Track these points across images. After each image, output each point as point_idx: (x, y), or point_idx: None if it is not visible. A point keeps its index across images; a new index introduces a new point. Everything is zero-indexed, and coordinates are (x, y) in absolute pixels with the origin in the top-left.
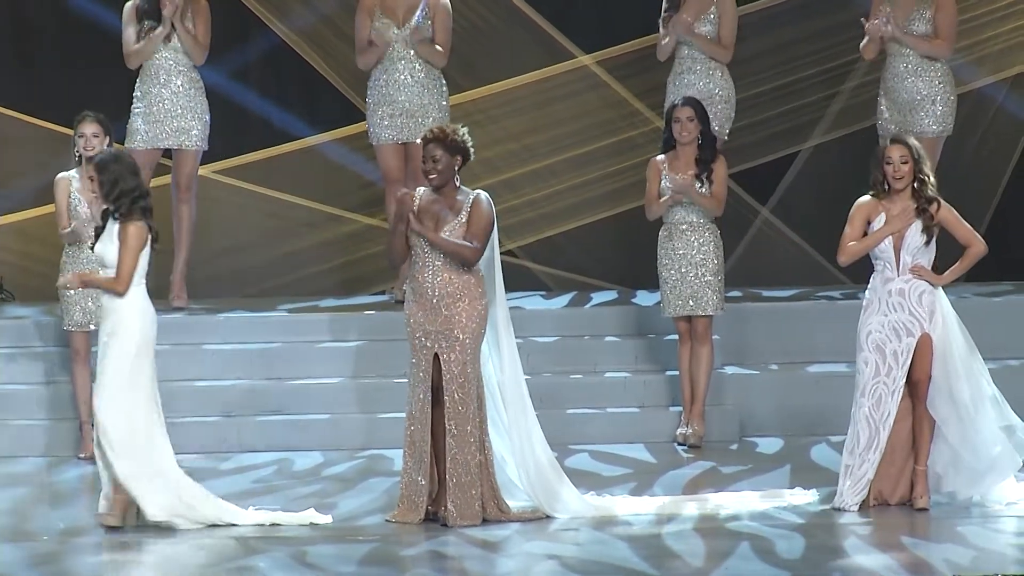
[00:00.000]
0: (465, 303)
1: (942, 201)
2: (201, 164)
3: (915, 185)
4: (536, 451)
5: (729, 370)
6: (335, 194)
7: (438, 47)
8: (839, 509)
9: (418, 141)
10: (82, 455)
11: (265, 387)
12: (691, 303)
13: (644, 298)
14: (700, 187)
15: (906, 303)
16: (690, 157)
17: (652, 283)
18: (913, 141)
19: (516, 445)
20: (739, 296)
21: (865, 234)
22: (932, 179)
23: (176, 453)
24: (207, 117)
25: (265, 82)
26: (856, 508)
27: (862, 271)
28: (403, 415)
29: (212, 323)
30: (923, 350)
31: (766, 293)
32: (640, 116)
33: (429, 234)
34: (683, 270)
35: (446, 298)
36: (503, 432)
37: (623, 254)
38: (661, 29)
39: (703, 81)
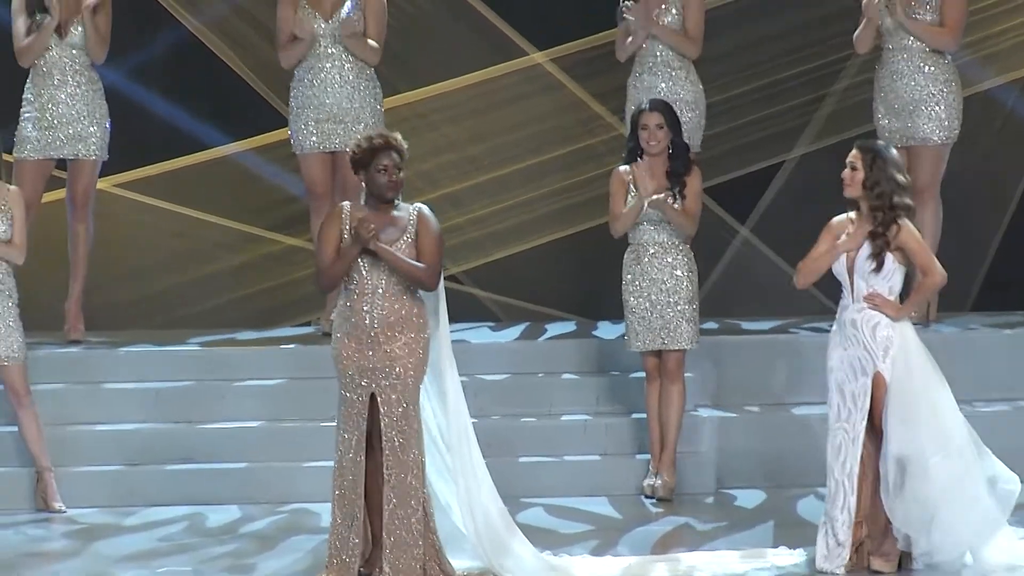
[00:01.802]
0: (407, 336)
1: (905, 223)
2: (100, 176)
3: (870, 202)
4: (484, 500)
5: (703, 412)
6: (253, 211)
7: (371, 42)
8: (822, 572)
9: (348, 150)
10: None
11: (173, 432)
12: (662, 336)
13: (607, 330)
14: (672, 202)
15: (860, 336)
16: (659, 169)
17: (616, 313)
18: (878, 145)
19: (462, 492)
20: (715, 328)
21: None
22: (898, 195)
23: (72, 506)
24: (107, 123)
25: (171, 82)
26: (841, 572)
27: None
28: (330, 464)
29: (113, 358)
30: (877, 392)
31: (745, 324)
32: (600, 121)
33: (396, 258)
34: (652, 298)
35: (386, 331)
36: (447, 477)
37: (583, 279)
38: (619, 23)
39: (666, 83)
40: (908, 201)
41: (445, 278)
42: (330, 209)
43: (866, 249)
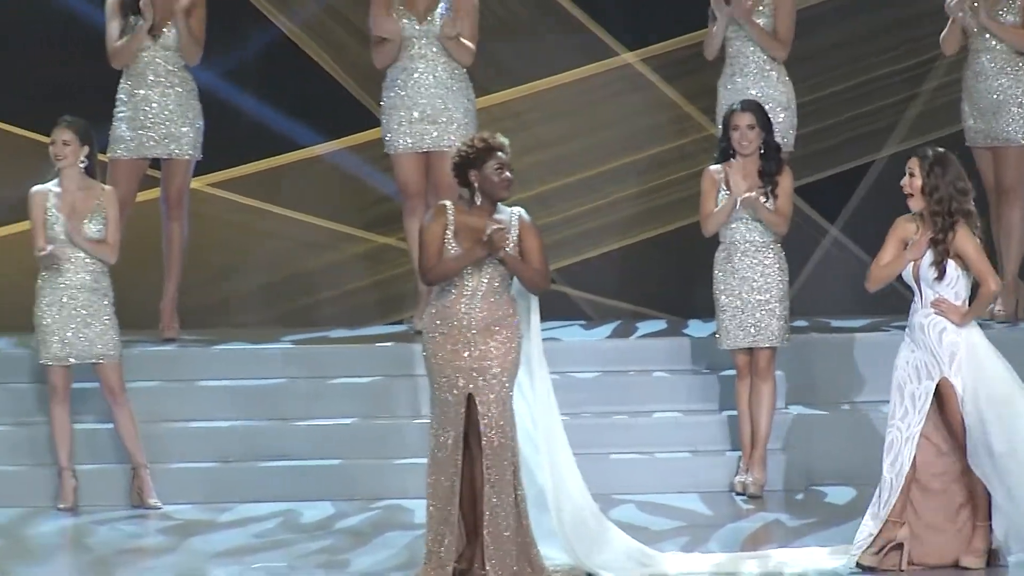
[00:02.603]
0: (503, 336)
1: (960, 229)
2: (193, 175)
3: (930, 208)
4: (574, 496)
5: (794, 410)
6: (346, 210)
7: (466, 42)
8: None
9: (453, 151)
10: (62, 505)
11: (267, 429)
12: (752, 333)
13: (697, 328)
14: (764, 202)
15: (927, 340)
16: (751, 169)
17: (707, 311)
18: (935, 151)
19: (550, 490)
20: (805, 326)
21: None
22: (957, 201)
23: (167, 503)
24: (200, 123)
25: (265, 83)
26: (852, 562)
27: None
28: (423, 460)
29: (207, 357)
30: (946, 396)
31: (835, 323)
32: (691, 121)
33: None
34: (743, 296)
35: (484, 331)
36: (537, 475)
37: (674, 278)
38: (710, 21)
39: (757, 85)
40: (969, 207)
41: None
42: (423, 209)
43: (928, 257)
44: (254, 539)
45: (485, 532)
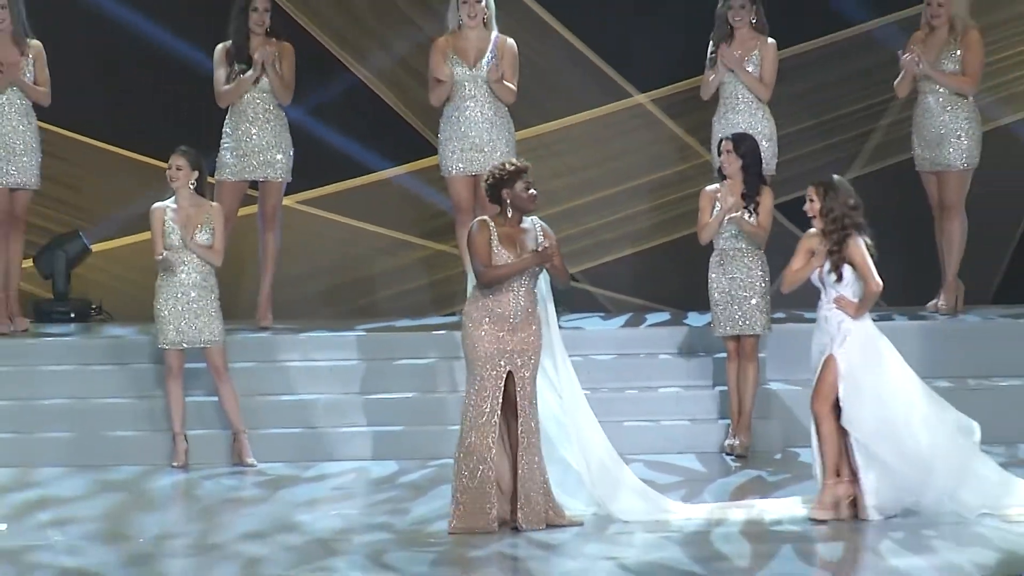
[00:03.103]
0: (535, 324)
1: (852, 241)
2: (285, 195)
3: (827, 226)
4: (598, 451)
5: (774, 385)
6: (407, 222)
7: (508, 84)
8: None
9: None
10: (175, 463)
11: (343, 401)
12: (740, 323)
13: (695, 319)
14: (748, 217)
15: (829, 328)
16: (739, 189)
17: (703, 305)
18: (828, 179)
19: (577, 452)
20: (784, 317)
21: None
22: (849, 217)
23: (262, 462)
24: (291, 151)
25: (343, 118)
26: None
27: (899, 295)
28: None
29: (295, 342)
30: (828, 367)
31: (808, 315)
32: (691, 150)
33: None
34: (732, 293)
35: (523, 320)
36: (564, 436)
37: (676, 278)
38: (707, 69)
39: (746, 120)
40: (859, 220)
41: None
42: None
43: (827, 264)
44: (333, 491)
45: (519, 486)
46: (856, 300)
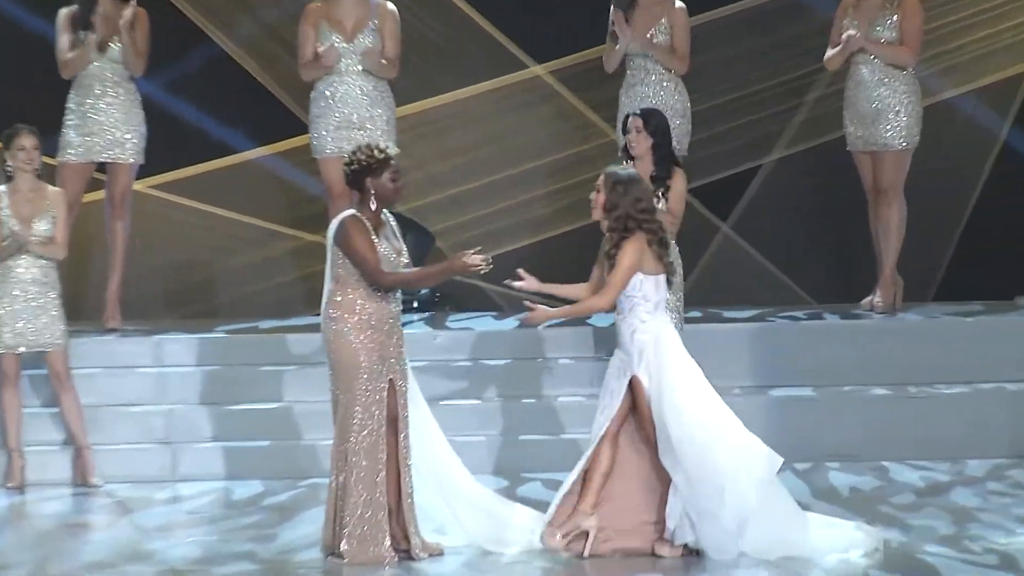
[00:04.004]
0: (401, 330)
1: (628, 244)
2: (136, 178)
3: (608, 223)
4: (465, 492)
5: None
6: (275, 209)
7: (386, 61)
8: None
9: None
10: (10, 484)
11: (202, 412)
12: None
13: (600, 319)
14: (657, 203)
15: (623, 341)
16: (646, 171)
17: None
18: (623, 172)
19: (442, 501)
20: (698, 316)
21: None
22: (635, 220)
23: (109, 482)
24: (143, 129)
25: (203, 93)
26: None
27: (829, 291)
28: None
29: (147, 345)
30: (636, 392)
31: (727, 313)
32: (594, 128)
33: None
34: None
35: (396, 324)
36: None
37: (578, 272)
38: (608, 40)
39: (657, 94)
40: (650, 225)
41: None
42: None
43: (606, 268)
44: (189, 515)
45: (405, 510)
46: (649, 304)
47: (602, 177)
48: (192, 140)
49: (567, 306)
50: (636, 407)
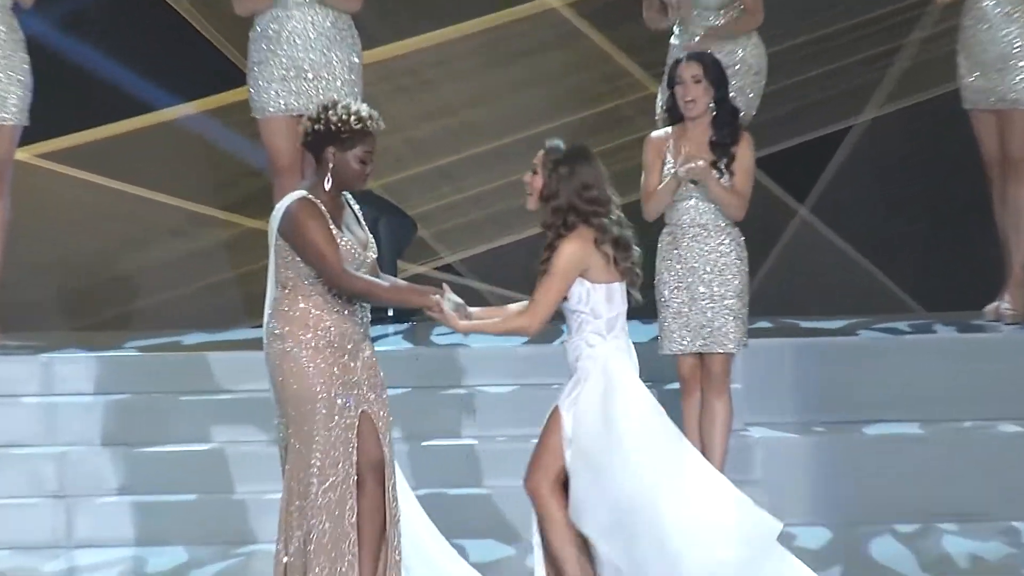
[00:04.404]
0: (371, 347)
1: (566, 243)
2: (19, 145)
3: (545, 217)
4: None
5: (755, 432)
6: (203, 187)
7: None
8: None
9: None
10: None
11: (108, 456)
12: (702, 336)
13: (635, 331)
14: (719, 177)
15: (569, 366)
16: (701, 135)
17: (647, 309)
18: (573, 148)
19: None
20: (768, 328)
21: None
22: (577, 214)
23: None
24: (28, 80)
25: (109, 34)
26: None
27: (940, 295)
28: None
29: (33, 366)
30: (550, 428)
31: (805, 324)
32: (630, 79)
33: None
34: (692, 289)
35: (365, 341)
36: None
37: None
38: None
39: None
40: (600, 221)
41: (439, 267)
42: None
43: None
44: None
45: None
46: (599, 321)
47: (541, 154)
48: (94, 95)
49: (484, 321)
50: (543, 442)
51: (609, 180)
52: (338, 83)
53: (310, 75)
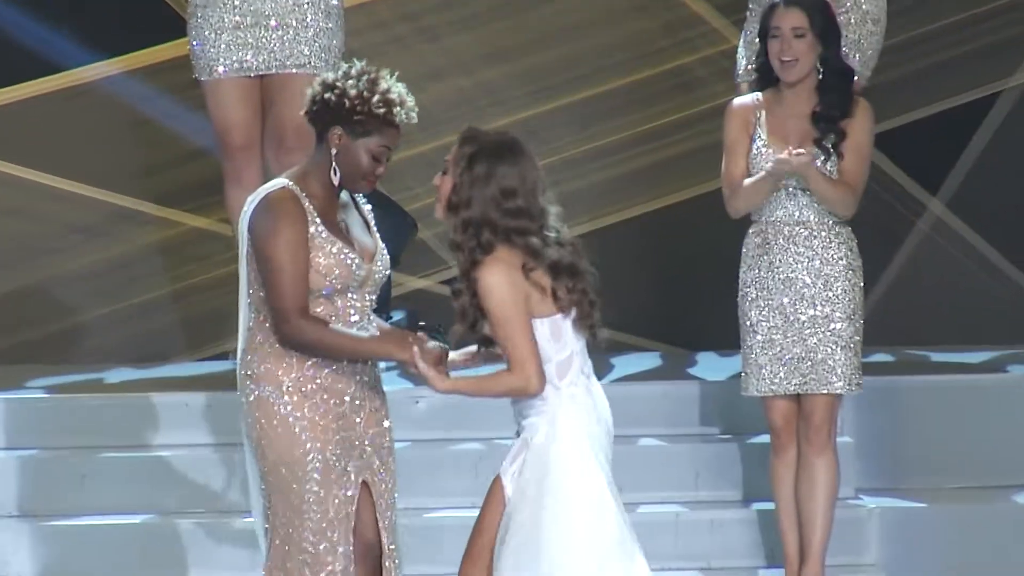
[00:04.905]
0: (378, 395)
1: (487, 268)
2: None
3: (456, 232)
4: None
5: (870, 501)
6: (132, 174)
7: None
8: None
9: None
10: None
11: (8, 531)
12: (801, 371)
13: (711, 365)
14: (823, 161)
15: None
16: (801, 104)
17: (727, 338)
18: (473, 132)
19: None
20: (888, 362)
21: None
22: (490, 227)
23: None
24: None
25: None
26: None
27: None
28: None
29: None
30: (490, 501)
31: (936, 357)
32: (705, 28)
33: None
34: (788, 310)
35: (372, 385)
36: None
37: (673, 285)
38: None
39: None
40: (528, 239)
41: (446, 281)
42: (255, 172)
43: (457, 308)
44: None
45: None
46: (550, 365)
47: (454, 148)
48: None
49: (477, 378)
50: (480, 524)
51: (544, 185)
52: (310, 32)
53: (272, 22)
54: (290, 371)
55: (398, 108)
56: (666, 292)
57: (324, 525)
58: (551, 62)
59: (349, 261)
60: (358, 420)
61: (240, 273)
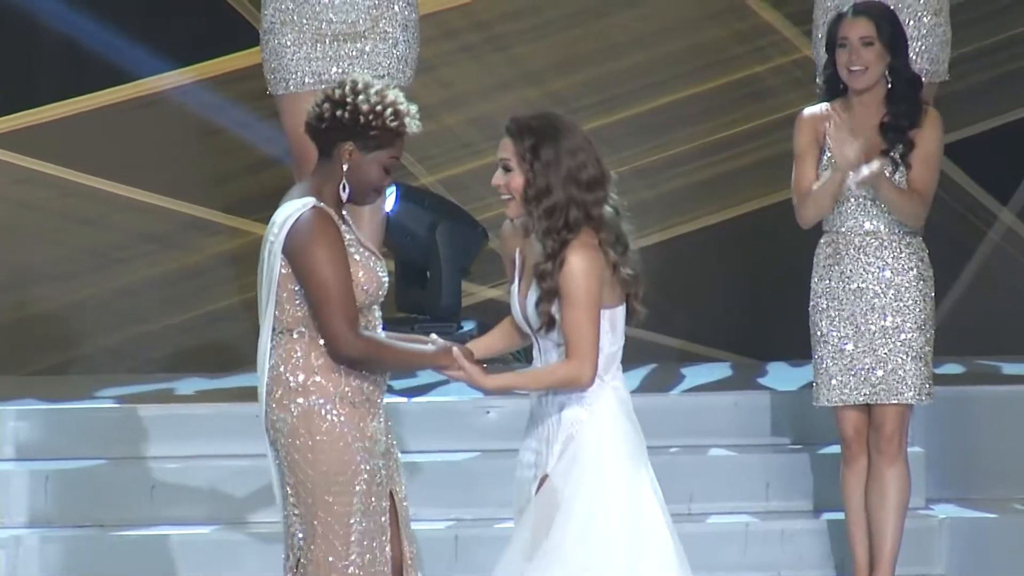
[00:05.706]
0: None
1: (570, 253)
2: None
3: (540, 221)
4: None
5: (942, 511)
6: (205, 184)
7: None
8: None
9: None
10: None
11: (73, 542)
12: (871, 382)
13: (781, 375)
14: (892, 172)
15: (544, 415)
16: (870, 114)
17: (798, 347)
18: (523, 120)
19: None
20: (959, 373)
21: None
22: (576, 208)
23: None
24: None
25: None
26: None
27: None
28: None
29: None
30: (543, 502)
31: (1009, 368)
32: (776, 36)
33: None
34: (859, 320)
35: (383, 398)
36: None
37: (742, 294)
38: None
39: None
40: (596, 210)
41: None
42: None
43: (532, 295)
44: None
45: None
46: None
47: (506, 142)
48: (58, 60)
49: (527, 372)
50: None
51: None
52: (388, 44)
53: (349, 35)
54: (339, 383)
55: (408, 119)
56: (737, 302)
57: (368, 539)
58: (621, 71)
59: (381, 273)
60: (381, 427)
61: (262, 294)
